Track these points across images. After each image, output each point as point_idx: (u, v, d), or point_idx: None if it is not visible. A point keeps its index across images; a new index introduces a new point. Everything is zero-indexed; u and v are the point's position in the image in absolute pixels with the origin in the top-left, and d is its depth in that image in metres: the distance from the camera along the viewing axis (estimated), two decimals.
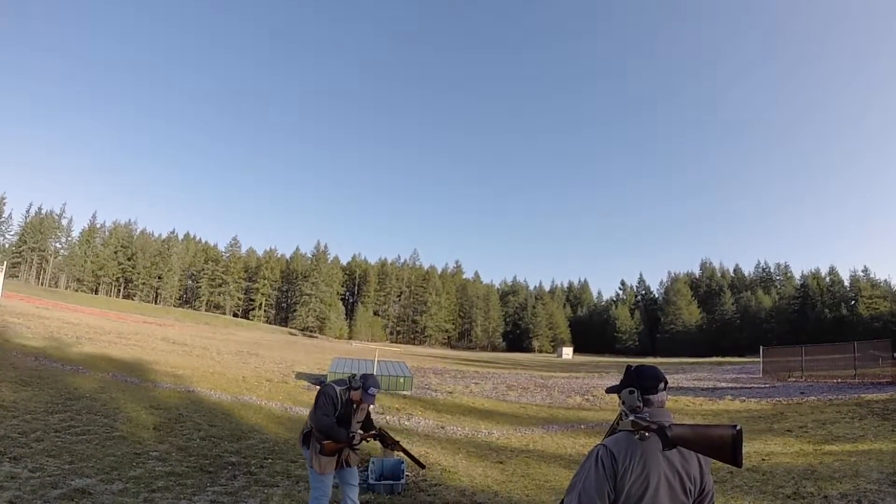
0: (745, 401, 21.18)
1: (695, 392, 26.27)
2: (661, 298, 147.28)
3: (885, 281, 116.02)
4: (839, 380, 27.20)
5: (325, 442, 5.44)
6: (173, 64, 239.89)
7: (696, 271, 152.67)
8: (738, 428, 2.23)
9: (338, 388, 5.56)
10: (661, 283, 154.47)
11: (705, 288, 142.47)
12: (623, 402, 2.68)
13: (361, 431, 5.80)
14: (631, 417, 2.55)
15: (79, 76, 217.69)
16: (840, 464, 9.89)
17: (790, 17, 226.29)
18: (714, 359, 74.74)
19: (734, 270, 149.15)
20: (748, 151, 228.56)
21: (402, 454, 6.07)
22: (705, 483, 2.55)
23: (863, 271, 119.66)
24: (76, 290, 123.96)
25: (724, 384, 30.21)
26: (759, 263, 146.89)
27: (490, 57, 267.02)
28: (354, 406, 5.61)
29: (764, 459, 10.71)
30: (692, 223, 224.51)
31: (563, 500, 2.65)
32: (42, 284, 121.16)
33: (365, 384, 5.53)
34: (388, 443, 5.88)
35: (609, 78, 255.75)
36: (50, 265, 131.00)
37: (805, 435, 13.32)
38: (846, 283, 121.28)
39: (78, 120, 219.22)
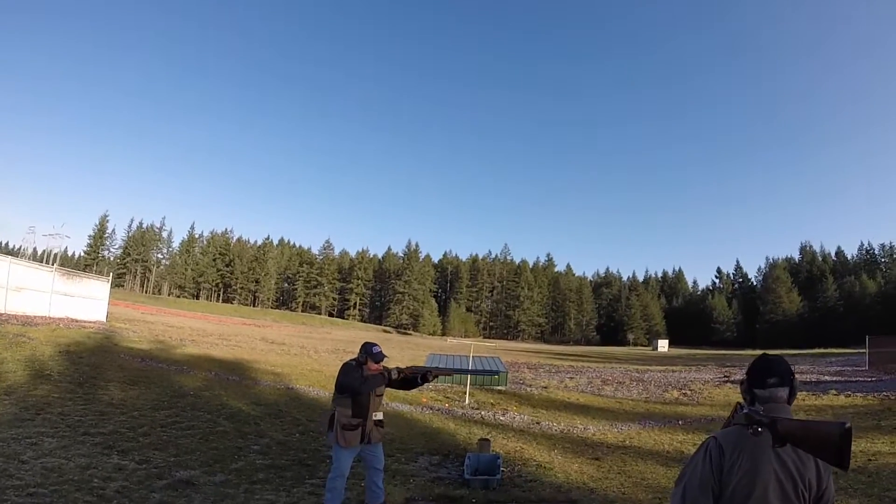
0: (850, 395, 19.73)
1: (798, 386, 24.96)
2: (759, 286, 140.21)
3: None
4: None
5: (367, 369, 5.70)
6: (254, 69, 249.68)
7: (796, 256, 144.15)
8: (847, 426, 2.00)
9: (352, 362, 5.86)
10: (758, 269, 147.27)
11: (806, 274, 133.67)
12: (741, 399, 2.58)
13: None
14: (745, 410, 2.42)
15: (159, 89, 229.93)
16: None
17: None
18: (816, 350, 71.17)
19: (836, 254, 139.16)
20: (853, 123, 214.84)
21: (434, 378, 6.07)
22: (824, 489, 2.32)
23: None
24: (178, 297, 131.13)
25: (827, 377, 28.60)
26: (862, 245, 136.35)
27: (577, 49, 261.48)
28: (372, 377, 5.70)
29: (870, 460, 9.88)
30: (791, 205, 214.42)
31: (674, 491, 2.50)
32: (146, 292, 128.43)
33: (366, 349, 5.78)
34: (427, 375, 5.91)
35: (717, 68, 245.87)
36: (153, 274, 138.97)
37: None
38: None
39: (168, 134, 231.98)
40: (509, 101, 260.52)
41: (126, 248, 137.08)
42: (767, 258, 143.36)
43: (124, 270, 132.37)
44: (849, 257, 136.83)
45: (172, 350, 23.69)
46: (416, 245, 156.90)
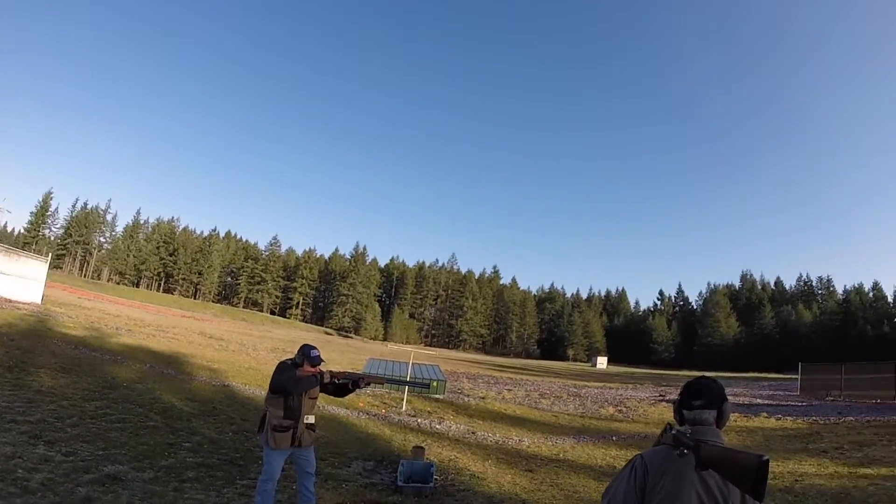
0: (780, 418, 20.65)
1: (731, 408, 25.74)
2: (699, 310, 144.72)
3: None
4: (879, 400, 26.48)
5: (301, 371, 5.62)
6: (214, 60, 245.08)
7: (737, 283, 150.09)
8: (764, 458, 2.04)
9: (289, 362, 5.80)
10: (699, 294, 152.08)
11: (745, 301, 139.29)
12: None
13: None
14: (673, 431, 2.44)
15: (124, 74, 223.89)
16: (875, 488, 9.62)
17: None
18: (751, 374, 73.44)
19: (775, 283, 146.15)
20: (794, 160, 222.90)
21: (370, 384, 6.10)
22: None
23: None
24: (118, 283, 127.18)
25: (760, 400, 29.71)
26: (800, 277, 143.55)
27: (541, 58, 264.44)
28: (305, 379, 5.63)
29: (797, 480, 10.47)
30: (733, 233, 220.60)
31: None
32: (85, 276, 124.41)
33: (304, 351, 5.75)
34: (359, 382, 5.89)
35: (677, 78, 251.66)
36: (93, 258, 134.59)
37: (841, 457, 12.94)
38: (890, 300, 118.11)
39: (123, 116, 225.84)
40: (473, 104, 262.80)
41: (68, 228, 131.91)
42: (709, 283, 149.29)
43: (64, 252, 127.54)
44: (787, 287, 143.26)
45: (108, 338, 23.20)
46: (364, 248, 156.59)
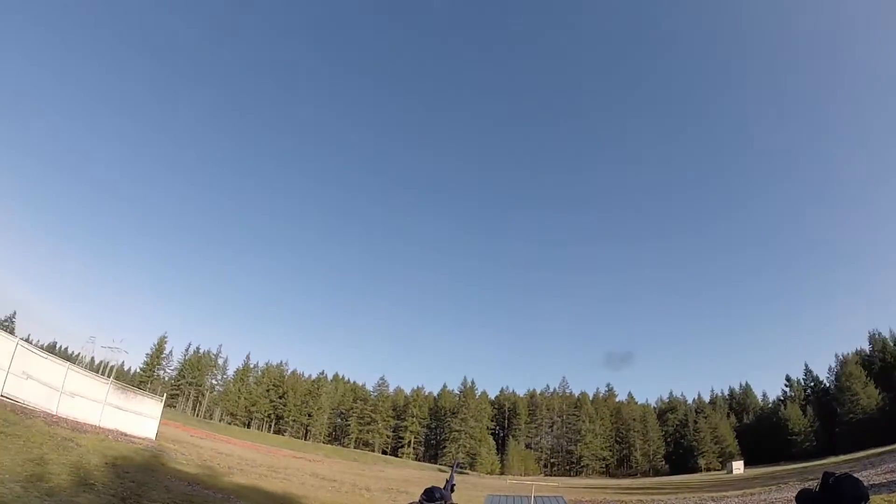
0: None
1: (889, 487, 22.24)
2: (832, 387, 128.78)
3: None
4: None
5: None
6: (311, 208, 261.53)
7: (866, 347, 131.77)
8: None
9: None
10: (829, 369, 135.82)
11: (879, 363, 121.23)
12: None
13: None
14: None
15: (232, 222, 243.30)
16: None
17: None
18: None
19: None
20: None
21: None
22: None
23: None
24: (229, 424, 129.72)
25: None
26: None
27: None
28: None
29: None
30: (854, 296, 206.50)
31: None
32: (198, 416, 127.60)
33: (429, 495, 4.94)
34: None
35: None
36: (206, 399, 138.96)
37: None
38: None
39: (233, 268, 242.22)
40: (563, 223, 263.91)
41: (182, 370, 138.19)
42: (837, 356, 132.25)
43: (178, 392, 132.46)
44: None
45: (220, 477, 22.43)
46: (472, 382, 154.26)
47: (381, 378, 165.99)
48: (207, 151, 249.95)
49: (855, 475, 2.28)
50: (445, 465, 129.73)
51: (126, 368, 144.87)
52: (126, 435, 26.16)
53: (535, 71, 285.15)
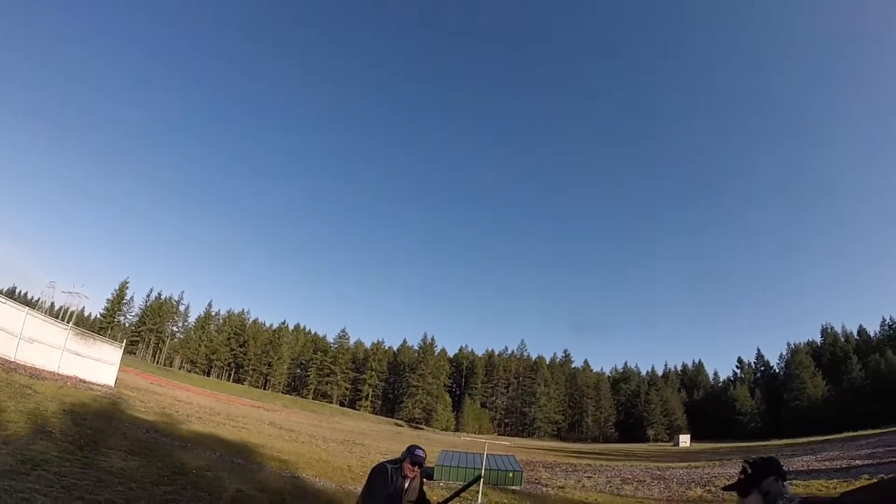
0: (884, 478, 18.46)
1: (827, 474, 23.99)
2: (782, 373, 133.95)
3: None
4: None
5: (406, 470, 5.13)
6: (276, 160, 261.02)
7: (818, 339, 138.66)
8: None
9: (389, 466, 5.19)
10: (780, 356, 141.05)
11: (829, 356, 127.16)
12: (767, 494, 2.67)
13: None
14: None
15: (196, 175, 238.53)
16: None
17: None
18: (846, 433, 67.64)
19: (858, 332, 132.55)
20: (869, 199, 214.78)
21: None
22: None
23: None
24: (189, 371, 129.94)
25: (858, 461, 27.69)
26: (884, 321, 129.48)
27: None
28: (407, 482, 5.16)
29: None
30: (810, 288, 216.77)
31: None
32: (157, 363, 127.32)
33: (410, 450, 5.22)
34: None
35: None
36: (166, 346, 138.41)
37: None
38: None
39: (198, 213, 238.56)
40: (537, 197, 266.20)
41: (142, 316, 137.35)
42: (789, 344, 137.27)
43: (138, 338, 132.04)
44: (871, 334, 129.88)
45: (178, 425, 23.06)
46: (432, 339, 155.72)
47: (343, 330, 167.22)
48: (176, 90, 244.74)
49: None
50: (402, 419, 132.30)
51: (87, 314, 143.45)
52: (85, 382, 26.52)
53: None
